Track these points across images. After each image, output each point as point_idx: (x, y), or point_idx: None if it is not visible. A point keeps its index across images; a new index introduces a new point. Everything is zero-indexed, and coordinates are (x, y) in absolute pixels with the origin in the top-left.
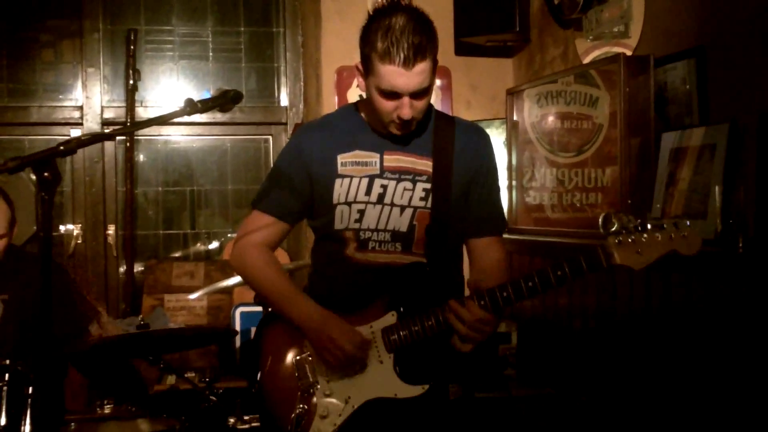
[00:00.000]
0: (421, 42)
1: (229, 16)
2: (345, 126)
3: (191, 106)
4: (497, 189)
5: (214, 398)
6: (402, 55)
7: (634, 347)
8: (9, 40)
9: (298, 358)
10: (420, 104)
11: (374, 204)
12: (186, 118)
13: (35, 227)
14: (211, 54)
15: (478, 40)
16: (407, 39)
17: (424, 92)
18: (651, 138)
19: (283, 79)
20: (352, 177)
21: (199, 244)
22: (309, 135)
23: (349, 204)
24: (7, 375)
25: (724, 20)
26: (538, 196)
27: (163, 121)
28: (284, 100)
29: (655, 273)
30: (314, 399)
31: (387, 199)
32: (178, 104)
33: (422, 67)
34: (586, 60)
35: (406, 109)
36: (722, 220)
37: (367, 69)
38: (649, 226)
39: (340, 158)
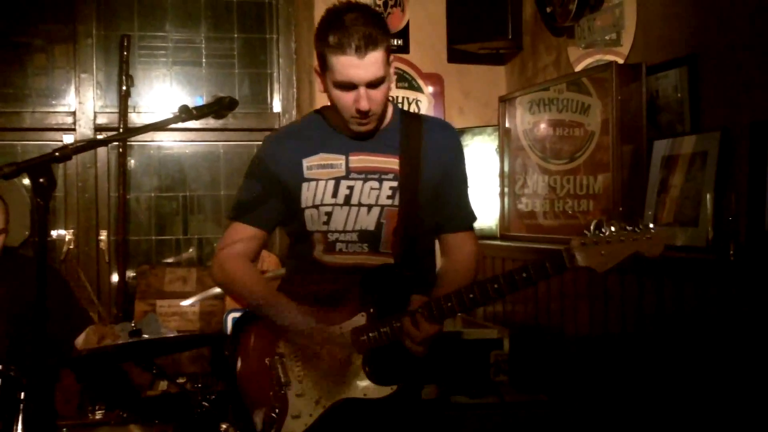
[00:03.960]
0: (372, 33)
1: (223, 22)
2: (310, 131)
3: (186, 113)
4: (467, 184)
5: (206, 403)
6: (354, 45)
7: (627, 353)
8: (2, 44)
9: (271, 359)
10: (377, 95)
11: (341, 206)
12: (179, 124)
13: (27, 232)
14: (204, 60)
15: (471, 47)
16: (358, 31)
17: (379, 82)
18: (643, 145)
19: (276, 86)
20: (318, 180)
21: (191, 250)
22: (275, 143)
23: (316, 207)
24: None
25: (715, 29)
26: (530, 203)
27: (158, 127)
28: (277, 106)
29: (647, 279)
30: (287, 399)
31: (354, 200)
32: (171, 110)
33: (375, 56)
34: (579, 67)
35: (364, 101)
36: (714, 228)
37: (323, 66)
38: (613, 229)
39: (306, 162)
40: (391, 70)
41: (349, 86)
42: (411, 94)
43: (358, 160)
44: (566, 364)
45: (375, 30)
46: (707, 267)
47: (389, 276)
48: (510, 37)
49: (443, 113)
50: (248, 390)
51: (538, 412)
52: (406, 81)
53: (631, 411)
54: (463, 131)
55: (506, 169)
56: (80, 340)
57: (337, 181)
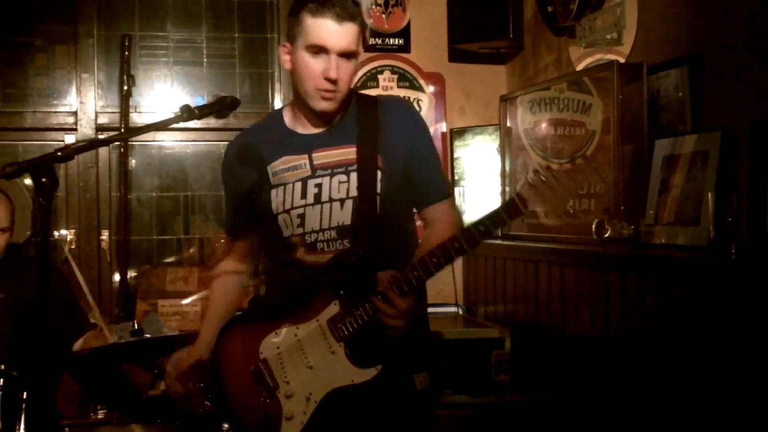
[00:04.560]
0: (350, 7)
1: (224, 22)
2: (271, 133)
3: (188, 112)
4: (435, 155)
5: (208, 403)
6: (334, 11)
7: (628, 353)
8: (2, 44)
9: (254, 365)
10: (345, 68)
11: (312, 205)
12: (180, 124)
13: (29, 232)
14: (205, 60)
15: (472, 47)
16: (338, 2)
17: (351, 55)
18: (644, 145)
19: (277, 85)
20: (285, 184)
21: (192, 250)
22: (237, 148)
23: (288, 211)
24: (1, 380)
25: (716, 29)
26: None
27: (160, 126)
28: (278, 106)
29: (648, 279)
30: (279, 403)
31: (324, 197)
32: (172, 110)
33: (351, 27)
34: (580, 67)
35: (333, 70)
36: (715, 227)
37: (295, 34)
38: (556, 167)
39: (270, 168)
40: (360, 54)
41: (322, 50)
42: (412, 94)
43: (321, 157)
44: (567, 363)
45: (353, 7)
46: (708, 266)
47: (353, 259)
48: (511, 36)
49: (444, 113)
50: (239, 399)
51: (539, 412)
52: (407, 80)
53: (632, 411)
54: (464, 131)
55: (507, 168)
56: (78, 345)
57: (304, 181)
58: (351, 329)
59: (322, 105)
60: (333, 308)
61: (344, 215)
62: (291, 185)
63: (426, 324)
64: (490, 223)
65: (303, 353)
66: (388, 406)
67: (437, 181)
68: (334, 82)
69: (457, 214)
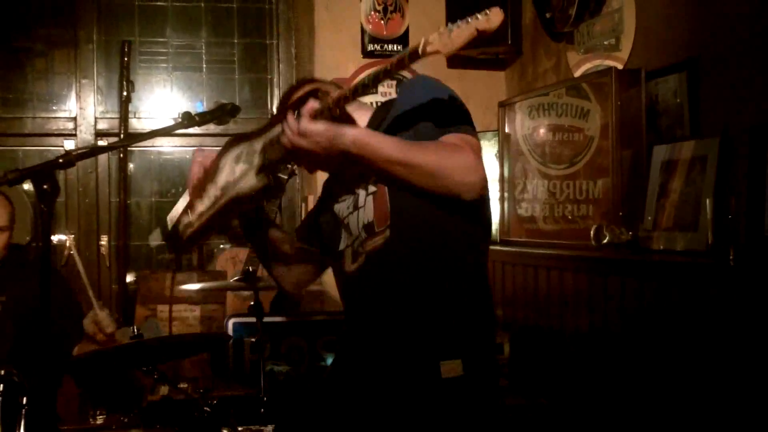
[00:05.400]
0: None
1: (223, 27)
2: None
3: (189, 120)
4: (429, 101)
5: (207, 408)
6: None
7: (627, 358)
8: (2, 48)
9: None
10: None
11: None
12: (180, 129)
13: (29, 237)
14: (204, 65)
15: (470, 52)
16: None
17: None
18: (642, 150)
19: (276, 91)
20: None
21: (192, 254)
22: None
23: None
24: (1, 385)
25: (715, 33)
26: (530, 208)
27: (161, 133)
28: None
29: (647, 283)
30: (197, 201)
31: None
32: (171, 115)
33: None
34: (578, 73)
35: None
36: (713, 232)
37: None
38: (459, 22)
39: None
40: None
41: None
42: None
43: None
44: (566, 368)
45: None
46: (707, 271)
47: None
48: (510, 42)
49: None
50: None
51: (538, 416)
52: None
53: (632, 415)
54: None
55: (506, 174)
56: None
57: None
58: (269, 144)
59: None
60: (277, 128)
61: (367, 214)
62: None
63: (460, 306)
64: (392, 63)
65: (236, 164)
66: (394, 394)
67: (436, 121)
68: None
69: (460, 141)
